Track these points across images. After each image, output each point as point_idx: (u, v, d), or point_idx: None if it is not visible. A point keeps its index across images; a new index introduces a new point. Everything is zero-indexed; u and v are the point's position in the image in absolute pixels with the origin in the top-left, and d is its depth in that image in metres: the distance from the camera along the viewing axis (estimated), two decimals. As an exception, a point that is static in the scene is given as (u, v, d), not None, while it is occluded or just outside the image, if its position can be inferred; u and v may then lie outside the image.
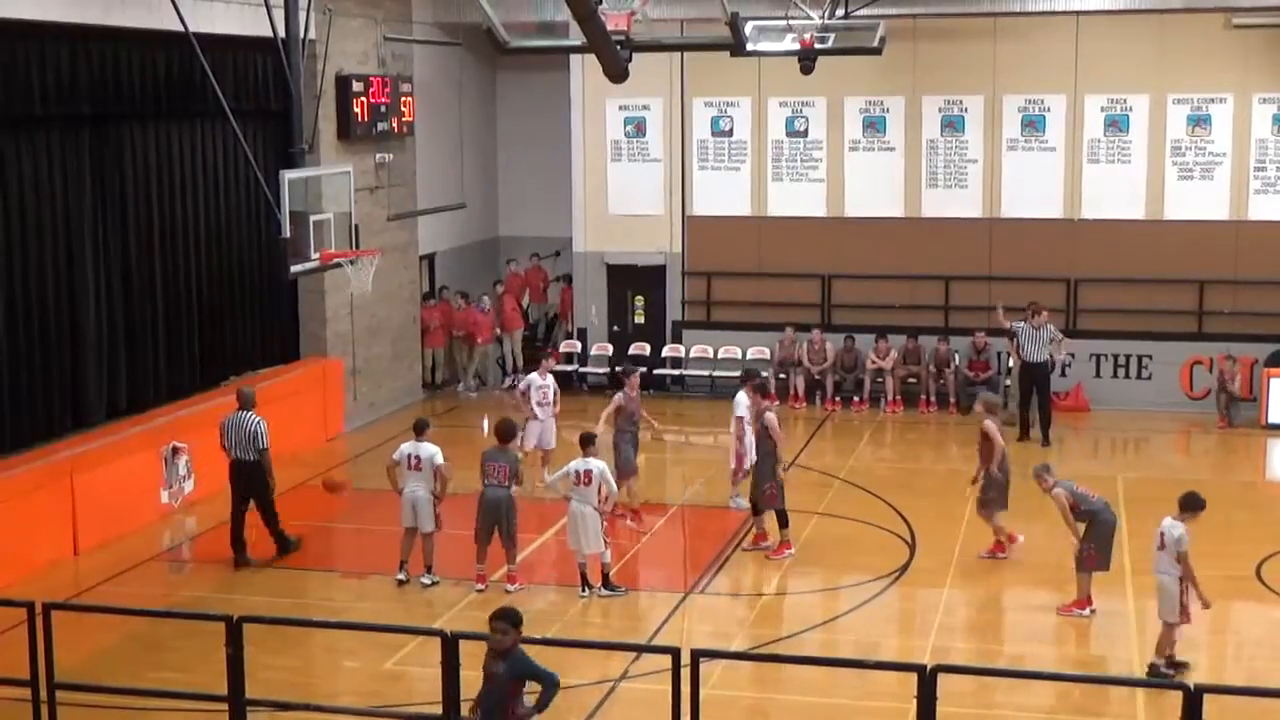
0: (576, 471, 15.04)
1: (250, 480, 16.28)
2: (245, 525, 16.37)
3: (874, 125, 24.30)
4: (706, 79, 24.44)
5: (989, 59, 23.68)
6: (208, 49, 17.57)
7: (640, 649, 13.32)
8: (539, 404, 18.89)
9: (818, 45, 19.38)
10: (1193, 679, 9.32)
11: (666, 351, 25.09)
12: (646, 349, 25.02)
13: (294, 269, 18.12)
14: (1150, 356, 23.55)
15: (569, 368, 25.55)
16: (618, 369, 19.07)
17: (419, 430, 15.62)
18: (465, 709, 9.85)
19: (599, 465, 15.07)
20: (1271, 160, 23.03)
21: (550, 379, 19.30)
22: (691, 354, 25.00)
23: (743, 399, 17.50)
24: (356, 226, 19.45)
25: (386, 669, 13.16)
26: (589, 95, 24.84)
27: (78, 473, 16.65)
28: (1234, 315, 23.17)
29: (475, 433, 22.70)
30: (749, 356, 24.50)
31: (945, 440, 22.53)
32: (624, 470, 17.37)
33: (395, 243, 23.51)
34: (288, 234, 17.74)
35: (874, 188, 24.32)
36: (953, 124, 24.02)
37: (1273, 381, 22.37)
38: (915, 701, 9.23)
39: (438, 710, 10.13)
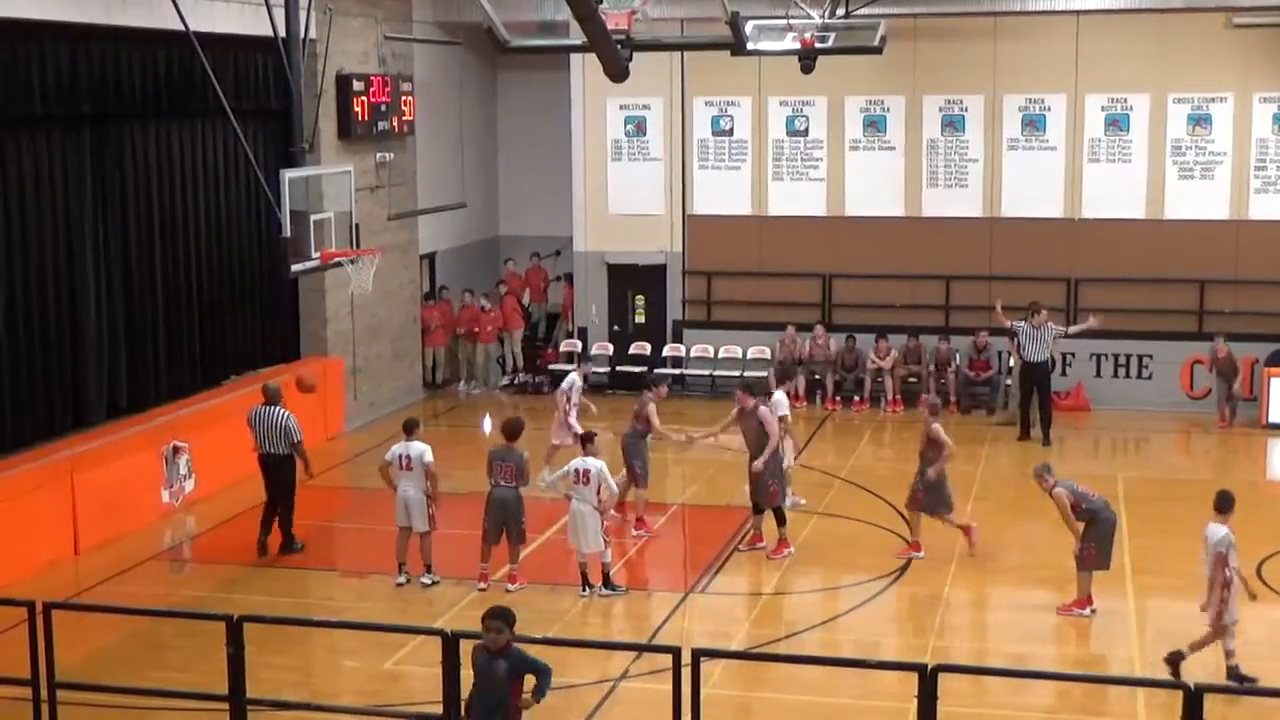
0: (576, 470, 15.04)
1: (278, 473, 16.45)
2: (275, 519, 16.54)
3: (874, 125, 24.30)
4: (707, 78, 24.43)
5: (989, 58, 23.68)
6: (208, 48, 17.57)
7: (641, 648, 13.34)
8: (575, 404, 18.88)
9: (818, 44, 19.40)
10: (1193, 679, 9.31)
11: (667, 351, 25.09)
12: (647, 348, 25.03)
13: (294, 268, 18.13)
14: (1151, 356, 23.55)
15: (569, 367, 25.53)
16: (648, 375, 18.93)
17: (409, 430, 15.62)
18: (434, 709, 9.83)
19: (598, 464, 15.07)
20: (1272, 159, 23.03)
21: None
22: (692, 353, 25.00)
23: (782, 399, 17.64)
24: (357, 226, 19.46)
25: (387, 668, 13.16)
26: (589, 95, 24.84)
27: (78, 472, 16.65)
28: (1234, 315, 23.16)
29: (477, 432, 22.72)
30: (749, 356, 24.53)
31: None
32: (642, 478, 17.30)
33: (396, 242, 23.51)
34: (288, 233, 17.75)
35: (874, 187, 24.32)
36: (953, 123, 24.01)
37: (1273, 381, 22.37)
38: (916, 701, 9.24)
39: (438, 710, 10.14)
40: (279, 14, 18.31)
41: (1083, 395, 23.59)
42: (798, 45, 19.41)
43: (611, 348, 25.17)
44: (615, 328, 25.47)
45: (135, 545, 16.90)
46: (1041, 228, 23.78)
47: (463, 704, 9.78)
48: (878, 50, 20.33)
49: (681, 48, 22.96)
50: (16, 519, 15.57)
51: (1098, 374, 23.79)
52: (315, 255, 18.28)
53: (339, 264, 19.00)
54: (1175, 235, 23.36)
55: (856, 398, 24.07)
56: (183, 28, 17.07)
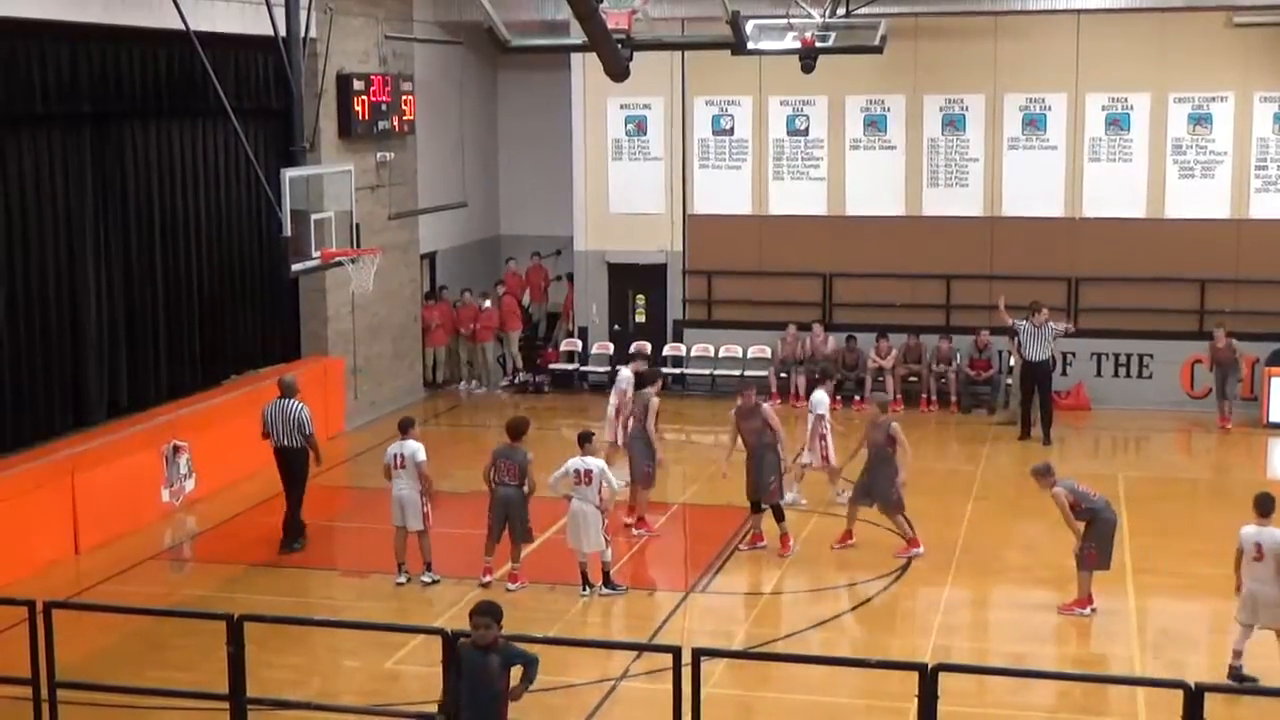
0: (576, 470, 15.03)
1: (293, 466, 16.61)
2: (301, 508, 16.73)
3: (875, 124, 24.30)
4: (707, 78, 24.43)
5: (990, 58, 23.68)
6: (209, 47, 17.57)
7: (641, 648, 13.32)
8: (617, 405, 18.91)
9: (819, 44, 19.40)
10: (1193, 678, 9.30)
11: (667, 350, 25.09)
12: (648, 348, 25.01)
13: (295, 267, 18.12)
14: (1151, 355, 23.55)
15: (570, 366, 25.57)
16: (634, 369, 18.93)
17: (404, 429, 15.65)
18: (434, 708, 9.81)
19: (598, 464, 15.06)
20: (1272, 159, 23.03)
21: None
22: (693, 353, 25.00)
23: (823, 398, 17.80)
24: (357, 225, 19.46)
25: (387, 668, 13.16)
26: (590, 94, 24.84)
27: (78, 471, 16.65)
28: (1235, 314, 23.15)
29: (478, 431, 22.72)
30: (750, 355, 24.54)
31: (946, 439, 22.54)
32: (647, 478, 17.33)
33: (396, 241, 23.51)
34: (289, 232, 17.74)
35: (875, 186, 24.32)
36: (954, 123, 24.01)
37: (1273, 381, 22.36)
38: (916, 701, 9.24)
39: (437, 709, 10.13)
40: (279, 13, 18.31)
41: (1083, 394, 23.59)
42: (798, 45, 19.41)
43: (612, 347, 25.17)
44: (616, 327, 25.47)
45: (135, 544, 16.91)
46: (1042, 227, 23.78)
47: (438, 704, 9.74)
48: (878, 50, 20.33)
49: (682, 47, 22.97)
50: (17, 518, 15.57)
51: (1098, 373, 23.78)
52: (316, 255, 18.28)
53: (339, 263, 19.00)
54: (1176, 234, 23.36)
55: (857, 397, 24.05)
56: (183, 27, 17.06)
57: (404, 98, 23.46)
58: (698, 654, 9.58)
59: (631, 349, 23.79)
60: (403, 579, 15.44)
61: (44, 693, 10.57)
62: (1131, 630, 14.20)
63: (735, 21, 17.09)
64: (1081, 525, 14.35)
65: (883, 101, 24.19)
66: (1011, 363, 22.76)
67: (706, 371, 24.88)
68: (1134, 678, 13.05)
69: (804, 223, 24.59)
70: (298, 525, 16.78)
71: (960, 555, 16.35)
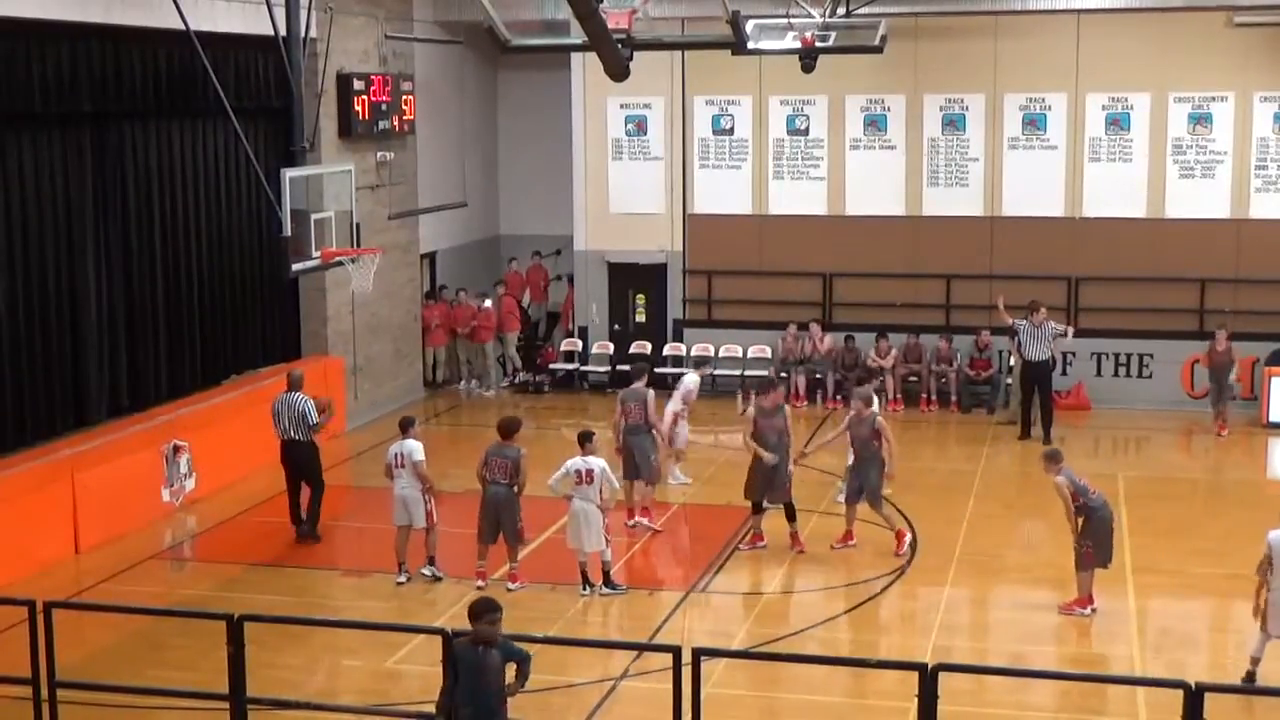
0: (578, 470, 15.03)
1: (301, 459, 16.83)
2: (301, 502, 16.98)
3: (875, 124, 24.30)
4: (707, 77, 24.43)
5: (990, 57, 23.68)
6: (209, 47, 17.58)
7: (641, 648, 13.32)
8: (686, 409, 19.20)
9: (819, 43, 19.40)
10: (1193, 678, 9.30)
11: (668, 350, 25.08)
12: (648, 348, 25.01)
13: (295, 267, 18.15)
14: (1151, 355, 23.55)
15: (570, 366, 25.57)
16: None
17: (404, 428, 15.72)
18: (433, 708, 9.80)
19: (599, 464, 15.06)
20: (1272, 159, 23.03)
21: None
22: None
23: (694, 378, 17.89)
24: (357, 225, 19.47)
25: (387, 667, 13.16)
26: (590, 94, 24.84)
27: (79, 471, 16.65)
28: (1235, 314, 23.15)
29: (478, 430, 22.70)
30: (750, 355, 24.54)
31: (946, 439, 22.54)
32: (652, 474, 17.48)
33: (396, 241, 23.51)
34: (289, 232, 17.77)
35: (875, 186, 24.31)
36: (954, 122, 24.01)
37: (1273, 381, 22.37)
38: (916, 700, 9.24)
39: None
40: (280, 13, 18.33)
41: (1083, 394, 23.59)
42: (798, 44, 19.40)
43: (612, 347, 25.17)
44: (616, 327, 25.47)
45: (136, 544, 16.91)
46: (1042, 227, 23.78)
47: (436, 704, 9.74)
48: (878, 49, 20.33)
49: (682, 47, 22.97)
50: (17, 518, 15.57)
51: (1098, 373, 23.78)
52: (316, 254, 18.30)
53: (339, 263, 19.01)
54: (1176, 234, 23.36)
55: (857, 397, 24.04)
56: (183, 27, 17.08)
57: (404, 97, 23.46)
58: (698, 654, 9.58)
59: (693, 351, 23.97)
60: (403, 578, 15.45)
61: (44, 692, 10.57)
62: (1131, 630, 14.20)
63: (735, 21, 17.10)
64: (1079, 522, 14.35)
65: (883, 101, 24.19)
66: (1011, 363, 22.76)
67: (706, 371, 24.83)
68: (1134, 678, 13.05)
69: (804, 222, 24.59)
70: (316, 515, 17.06)
71: (960, 555, 16.36)
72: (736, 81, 24.21)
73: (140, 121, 18.86)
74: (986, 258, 23.99)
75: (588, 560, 15.08)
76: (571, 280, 25.99)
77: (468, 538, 15.55)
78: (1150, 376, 23.60)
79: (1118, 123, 23.49)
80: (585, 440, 15.28)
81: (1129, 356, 23.72)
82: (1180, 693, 8.91)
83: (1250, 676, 12.55)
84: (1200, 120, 23.20)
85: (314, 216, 18.32)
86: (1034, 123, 23.75)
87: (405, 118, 23.51)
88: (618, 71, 17.10)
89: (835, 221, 24.54)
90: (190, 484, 18.54)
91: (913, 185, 24.23)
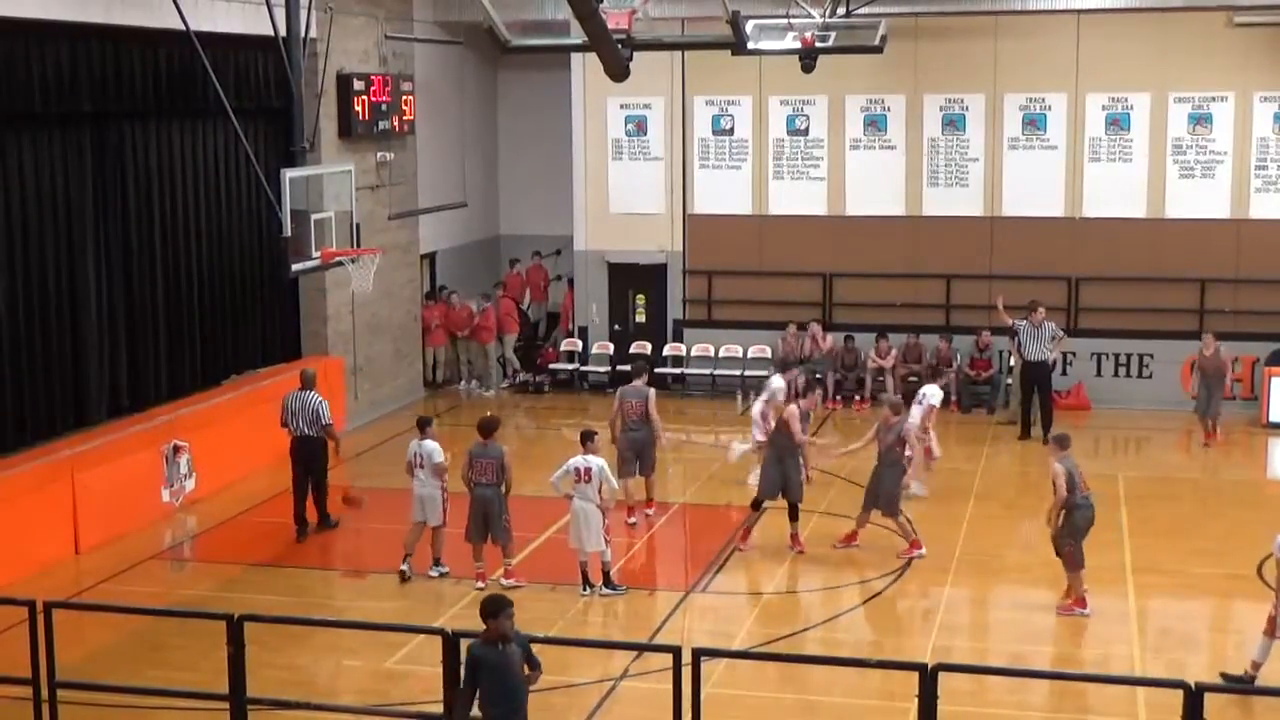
0: (577, 469, 15.04)
1: (312, 455, 17.08)
2: (307, 500, 17.20)
3: (875, 124, 24.30)
4: (707, 77, 24.43)
5: (990, 57, 23.68)
6: (209, 47, 17.58)
7: (641, 648, 13.33)
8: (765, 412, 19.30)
9: (819, 44, 19.40)
10: (1193, 678, 9.31)
11: (668, 350, 25.09)
12: (648, 348, 25.02)
13: (295, 267, 18.15)
14: (1151, 355, 23.55)
15: (570, 366, 25.57)
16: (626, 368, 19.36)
17: (422, 427, 15.87)
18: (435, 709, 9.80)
19: (599, 462, 15.07)
20: (1272, 159, 23.03)
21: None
22: (693, 353, 25.00)
23: (936, 391, 18.21)
24: (358, 225, 19.47)
25: (387, 668, 13.16)
26: (590, 94, 24.84)
27: (79, 471, 16.65)
28: (1235, 314, 23.16)
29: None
30: (750, 355, 24.55)
31: (946, 439, 22.47)
32: (653, 469, 17.82)
33: (396, 241, 23.51)
34: (289, 232, 17.77)
35: (875, 186, 24.32)
36: (954, 122, 24.01)
37: (1273, 381, 22.37)
38: (916, 700, 9.25)
39: (439, 709, 10.14)
40: (280, 13, 18.33)
41: (1083, 394, 23.59)
42: (798, 44, 19.41)
43: (612, 347, 25.17)
44: (616, 327, 25.47)
45: (136, 544, 16.91)
46: (1042, 227, 23.78)
47: (449, 706, 9.73)
48: (878, 49, 20.33)
49: (682, 47, 22.97)
50: (17, 518, 15.57)
51: (1098, 373, 23.79)
52: (316, 254, 18.30)
53: (339, 263, 19.01)
54: (1176, 234, 23.36)
55: (857, 397, 24.07)
56: (183, 27, 17.08)
57: (404, 98, 23.46)
58: (698, 654, 9.59)
59: (780, 355, 24.02)
60: (405, 567, 15.52)
61: (44, 693, 10.58)
62: (1131, 630, 14.20)
63: (735, 21, 17.10)
64: (1060, 515, 14.40)
65: (883, 101, 24.19)
66: (1011, 363, 22.76)
67: (707, 371, 24.88)
68: (1134, 678, 13.05)
69: (804, 222, 24.59)
70: (324, 514, 17.31)
71: (960, 555, 16.36)
72: (736, 82, 24.21)
73: (140, 121, 18.86)
74: (986, 258, 23.99)
75: (588, 560, 15.09)
76: (572, 282, 25.97)
77: (463, 538, 15.59)
78: (1150, 377, 23.60)
79: (1118, 123, 23.49)
80: (587, 439, 15.30)
81: (1129, 357, 23.72)
82: (1180, 693, 8.91)
83: (1250, 679, 12.54)
84: (1200, 120, 23.20)
85: (314, 217, 18.32)
86: (1034, 123, 23.75)
87: (405, 118, 23.51)
88: (618, 72, 17.10)
89: (835, 222, 24.54)
90: (190, 484, 18.54)
91: (913, 185, 24.23)
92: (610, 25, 15.92)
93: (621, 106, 24.91)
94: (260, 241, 21.14)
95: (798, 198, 24.63)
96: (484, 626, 9.48)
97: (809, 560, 16.26)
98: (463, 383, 25.62)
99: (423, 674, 12.32)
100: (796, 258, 24.57)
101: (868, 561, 16.18)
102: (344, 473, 20.05)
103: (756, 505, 16.63)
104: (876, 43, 20.18)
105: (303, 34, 18.84)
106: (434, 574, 15.54)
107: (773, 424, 18.52)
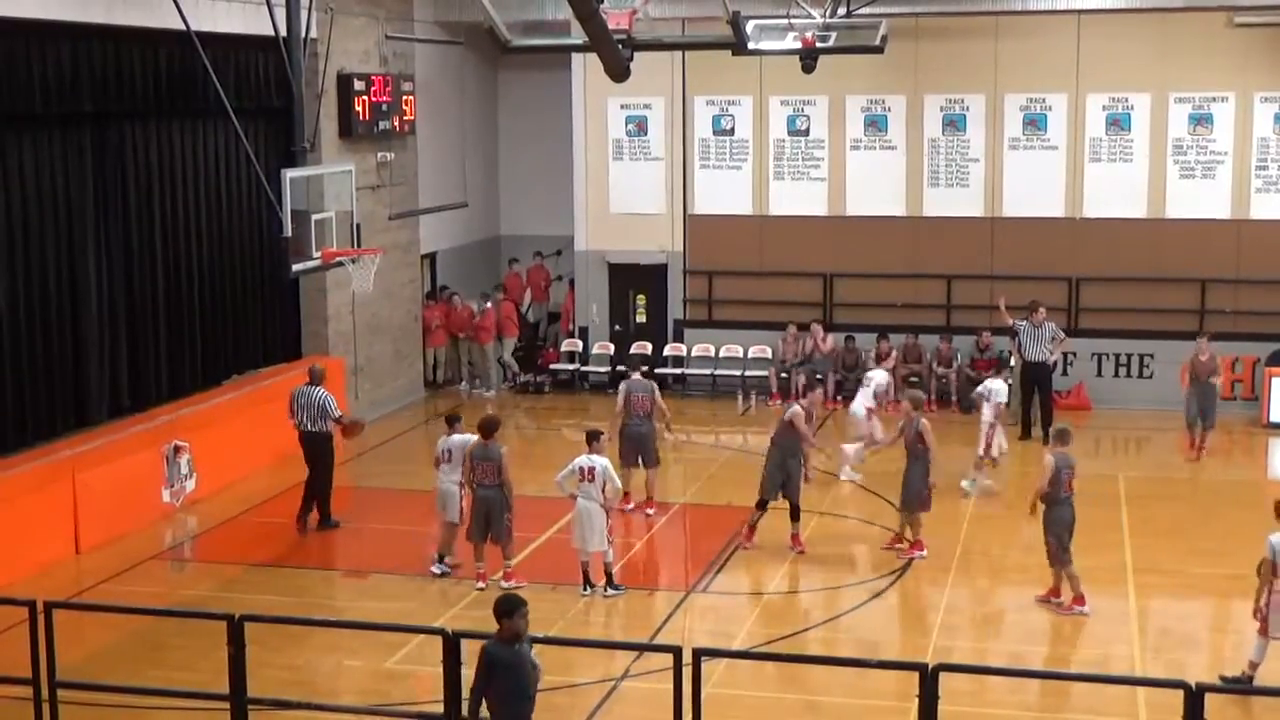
0: (581, 468, 15.04)
1: (315, 451, 17.21)
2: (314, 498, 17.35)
3: (875, 124, 24.29)
4: (708, 78, 24.43)
5: (990, 58, 23.68)
6: (209, 47, 17.59)
7: (642, 648, 13.33)
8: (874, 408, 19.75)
9: (819, 44, 19.40)
10: (1193, 678, 9.31)
11: (668, 350, 25.09)
12: (648, 348, 25.02)
13: (295, 267, 18.15)
14: (1152, 355, 23.54)
15: (570, 366, 25.56)
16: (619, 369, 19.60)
17: (450, 423, 15.99)
18: (464, 709, 9.81)
19: (602, 462, 15.08)
20: (1273, 159, 23.02)
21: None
22: (693, 353, 25.00)
23: (1001, 387, 18.40)
24: (358, 225, 19.47)
25: (388, 668, 13.16)
26: (590, 94, 24.84)
27: (79, 471, 16.65)
28: (1235, 314, 23.16)
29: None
30: (750, 355, 24.55)
31: (947, 439, 22.45)
32: (656, 460, 18.10)
33: (397, 241, 23.51)
34: (289, 232, 17.77)
35: (875, 186, 24.31)
36: (954, 123, 24.01)
37: (1273, 381, 22.36)
38: (917, 700, 9.24)
39: (440, 709, 10.14)
40: (280, 13, 18.33)
41: (1084, 394, 23.59)
42: (799, 45, 19.40)
43: (612, 347, 25.17)
44: (616, 327, 25.47)
45: (136, 544, 16.90)
46: (1043, 227, 23.78)
47: (469, 703, 9.71)
48: (879, 50, 20.33)
49: (682, 47, 22.97)
50: (18, 518, 15.57)
51: (1099, 373, 23.78)
52: (316, 255, 18.30)
53: (340, 263, 19.01)
54: (1176, 235, 23.35)
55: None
56: (184, 27, 17.08)
57: (404, 98, 23.46)
58: (698, 654, 9.59)
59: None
60: (438, 569, 15.62)
61: (44, 693, 10.58)
62: (1132, 630, 14.20)
63: (736, 21, 17.10)
64: (1041, 510, 14.52)
65: (883, 101, 24.19)
66: (1012, 363, 22.76)
67: (707, 372, 24.88)
68: (1134, 678, 13.05)
69: (804, 223, 24.59)
70: (326, 511, 17.36)
71: (960, 555, 16.35)
72: (737, 82, 24.21)
73: (141, 122, 18.86)
74: (987, 258, 23.98)
75: (590, 560, 15.09)
76: (573, 283, 25.96)
77: (463, 538, 15.61)
78: (1151, 377, 23.59)
79: (1118, 123, 23.48)
80: (593, 439, 15.33)
81: (1129, 357, 23.71)
82: (1180, 693, 8.91)
83: (1248, 680, 12.54)
84: (1201, 121, 23.20)
85: (314, 217, 18.32)
86: (1034, 123, 23.75)
87: (406, 118, 23.51)
88: (618, 72, 17.09)
89: (836, 222, 24.54)
90: (191, 484, 18.54)
91: (913, 185, 24.23)
92: (611, 25, 15.92)
93: (622, 107, 24.91)
94: (261, 241, 21.13)
95: (798, 198, 24.63)
96: (497, 625, 9.50)
97: (809, 560, 16.26)
98: (463, 383, 25.61)
99: (423, 674, 12.32)
100: (797, 258, 24.57)
101: (868, 562, 16.19)
102: (345, 473, 20.05)
103: (762, 505, 16.63)
104: (877, 43, 20.18)
105: (303, 34, 18.84)
106: (435, 570, 15.54)
107: (877, 420, 19.27)
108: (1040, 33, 23.41)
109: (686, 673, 9.51)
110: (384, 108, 22.72)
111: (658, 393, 18.14)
